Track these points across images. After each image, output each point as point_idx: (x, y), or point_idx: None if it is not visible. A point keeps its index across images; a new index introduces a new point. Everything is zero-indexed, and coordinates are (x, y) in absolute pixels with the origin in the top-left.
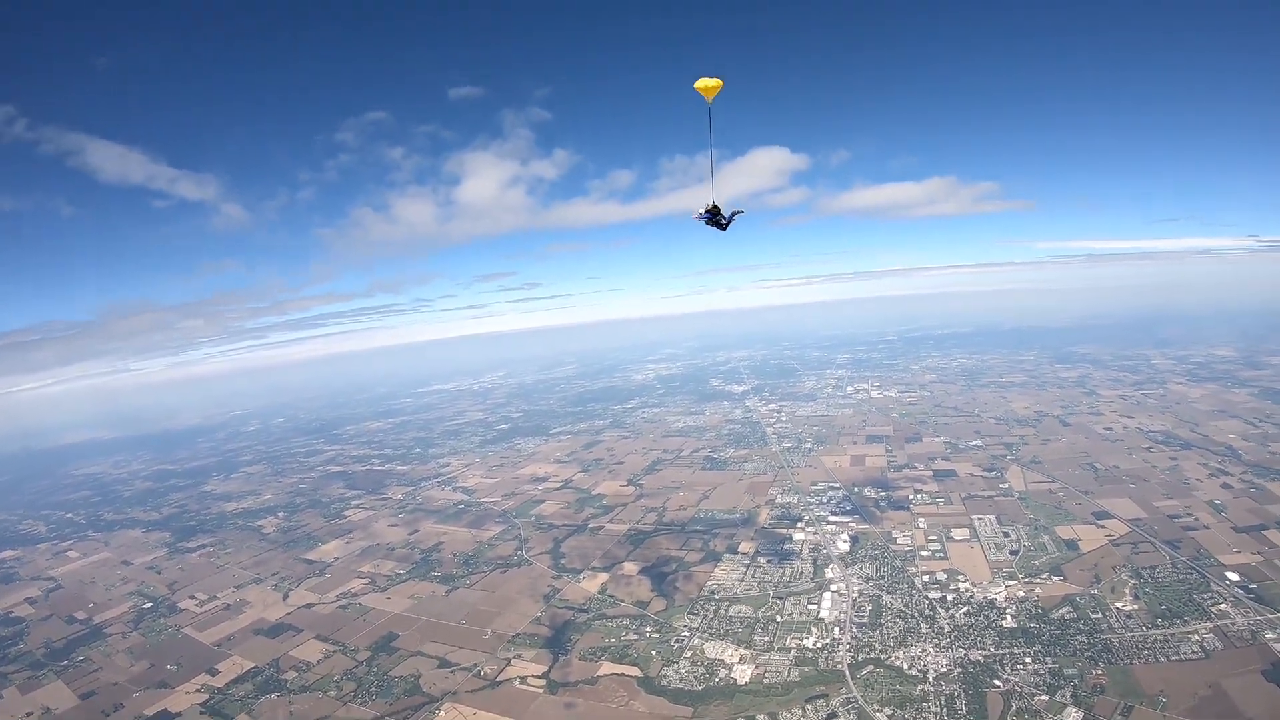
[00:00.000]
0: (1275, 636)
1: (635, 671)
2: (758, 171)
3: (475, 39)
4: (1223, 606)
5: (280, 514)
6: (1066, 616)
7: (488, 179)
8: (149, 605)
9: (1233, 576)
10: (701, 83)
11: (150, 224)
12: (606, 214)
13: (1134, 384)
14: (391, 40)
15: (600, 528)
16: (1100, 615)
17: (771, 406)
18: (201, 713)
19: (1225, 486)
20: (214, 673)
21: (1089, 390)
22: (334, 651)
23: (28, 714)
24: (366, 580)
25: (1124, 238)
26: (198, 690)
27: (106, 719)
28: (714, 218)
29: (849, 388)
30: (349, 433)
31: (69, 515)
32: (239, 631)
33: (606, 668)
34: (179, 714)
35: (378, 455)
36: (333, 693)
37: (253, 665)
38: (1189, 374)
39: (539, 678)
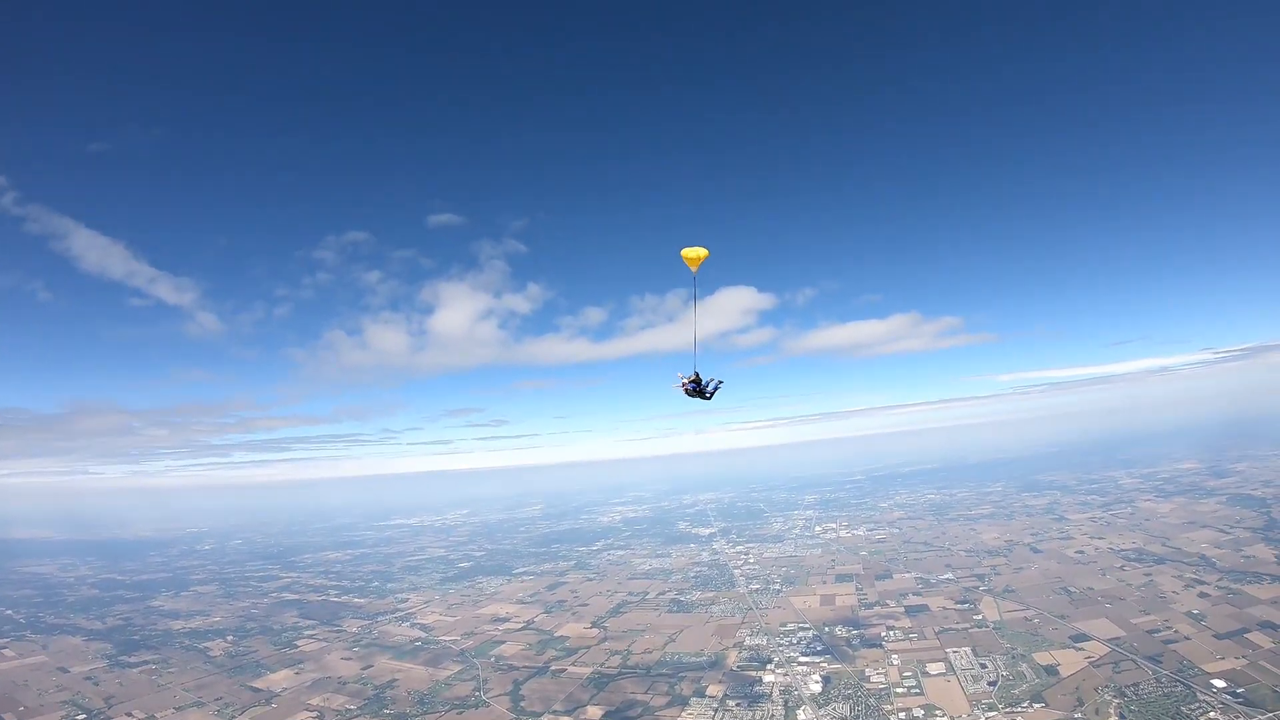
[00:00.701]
0: None
1: None
2: (725, 311)
3: (458, 167)
4: (1212, 715)
5: (229, 637)
6: None
7: (461, 310)
8: (83, 717)
9: (1219, 683)
10: (688, 253)
11: (124, 322)
12: (577, 352)
13: (1103, 505)
14: (377, 161)
15: (563, 670)
16: None
17: (739, 549)
18: None
19: (1202, 595)
20: None
21: (1058, 516)
22: None
23: None
24: (315, 714)
25: (1082, 364)
26: None
27: None
28: (698, 388)
29: (817, 528)
30: (307, 560)
31: (9, 612)
32: None
33: None
34: None
35: (335, 586)
36: None
37: None
38: (1156, 490)
39: None
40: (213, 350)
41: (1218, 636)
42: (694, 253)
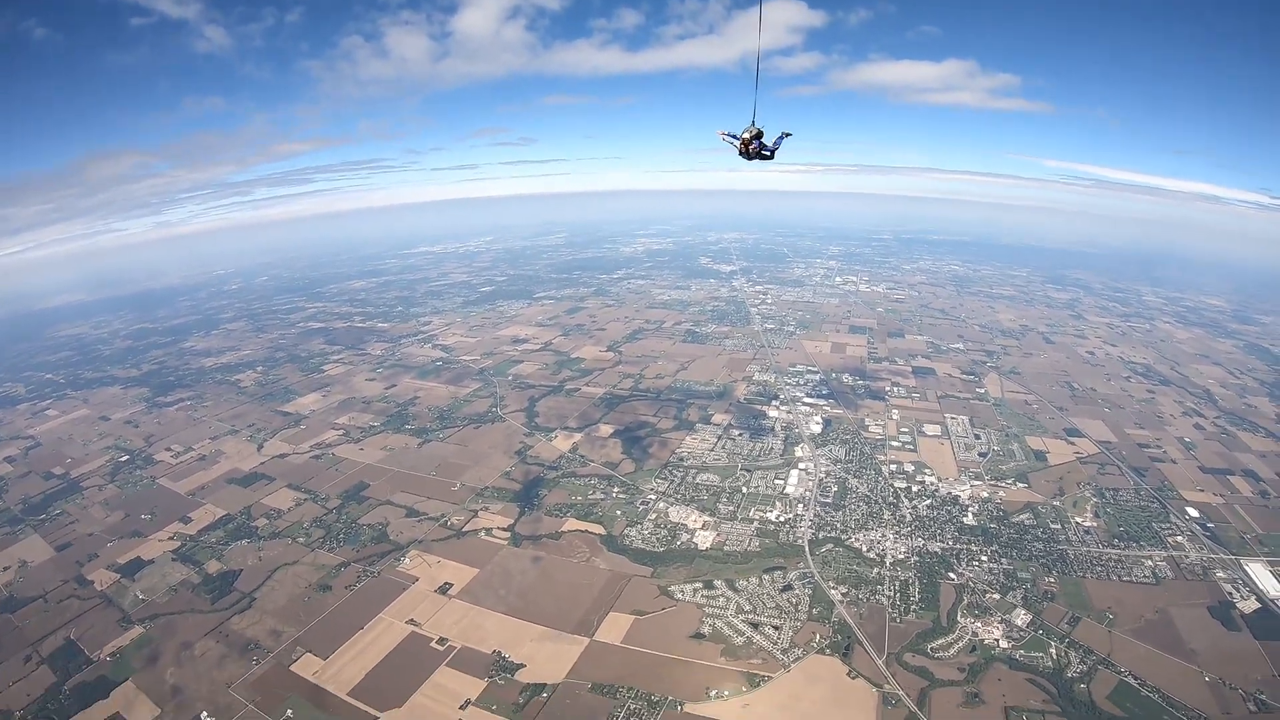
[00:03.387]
0: (1225, 577)
1: (599, 530)
2: (769, 26)
3: None
4: (1179, 539)
5: (259, 368)
6: (1027, 522)
7: (487, 8)
8: (125, 458)
9: (1193, 513)
10: None
11: (128, 46)
12: (609, 62)
13: (1122, 315)
14: None
15: (576, 389)
16: (1059, 526)
17: (758, 288)
18: (173, 559)
19: (1198, 427)
20: (186, 521)
21: (1077, 314)
22: (305, 500)
23: (4, 568)
24: (341, 432)
25: (1135, 168)
26: (170, 538)
27: (81, 568)
28: (757, 147)
29: (837, 278)
30: (332, 291)
31: (49, 376)
32: (212, 481)
33: (571, 524)
34: (151, 561)
35: (359, 313)
36: (301, 539)
37: (225, 513)
38: (1178, 316)
39: (504, 530)
40: (224, 71)
41: (1203, 469)
42: None
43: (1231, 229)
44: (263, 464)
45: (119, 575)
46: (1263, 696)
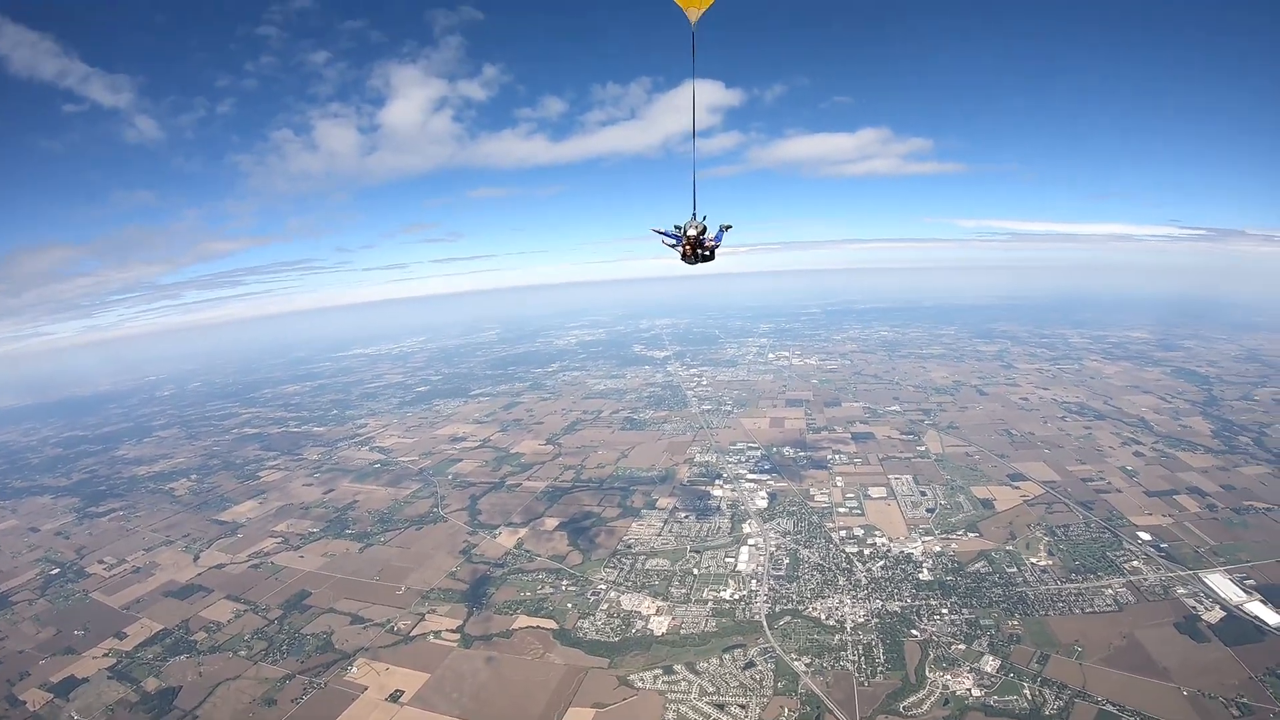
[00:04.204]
0: (1186, 592)
1: (551, 624)
2: (688, 108)
3: None
4: (1135, 563)
5: (193, 476)
6: (982, 570)
7: (414, 99)
8: (56, 571)
9: (1144, 536)
10: None
11: (58, 133)
12: (534, 152)
13: (1051, 359)
14: None
15: (518, 485)
16: (1015, 570)
17: (692, 371)
18: (109, 677)
19: (1138, 455)
20: (122, 636)
21: (1007, 364)
22: (245, 611)
23: None
24: (279, 539)
25: (1049, 218)
26: (105, 655)
27: (12, 688)
28: (696, 245)
29: (770, 355)
30: (265, 395)
31: None
32: (148, 594)
33: (523, 620)
34: (86, 679)
35: (294, 417)
36: (243, 652)
37: (162, 627)
38: (1104, 352)
39: (453, 632)
40: (155, 163)
41: (1148, 494)
42: None
43: (1146, 264)
44: (199, 575)
45: (52, 695)
46: (1244, 700)
